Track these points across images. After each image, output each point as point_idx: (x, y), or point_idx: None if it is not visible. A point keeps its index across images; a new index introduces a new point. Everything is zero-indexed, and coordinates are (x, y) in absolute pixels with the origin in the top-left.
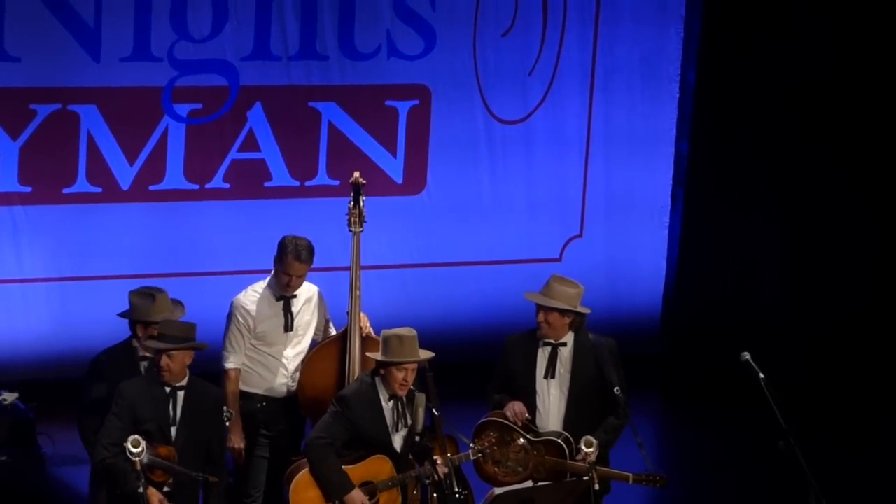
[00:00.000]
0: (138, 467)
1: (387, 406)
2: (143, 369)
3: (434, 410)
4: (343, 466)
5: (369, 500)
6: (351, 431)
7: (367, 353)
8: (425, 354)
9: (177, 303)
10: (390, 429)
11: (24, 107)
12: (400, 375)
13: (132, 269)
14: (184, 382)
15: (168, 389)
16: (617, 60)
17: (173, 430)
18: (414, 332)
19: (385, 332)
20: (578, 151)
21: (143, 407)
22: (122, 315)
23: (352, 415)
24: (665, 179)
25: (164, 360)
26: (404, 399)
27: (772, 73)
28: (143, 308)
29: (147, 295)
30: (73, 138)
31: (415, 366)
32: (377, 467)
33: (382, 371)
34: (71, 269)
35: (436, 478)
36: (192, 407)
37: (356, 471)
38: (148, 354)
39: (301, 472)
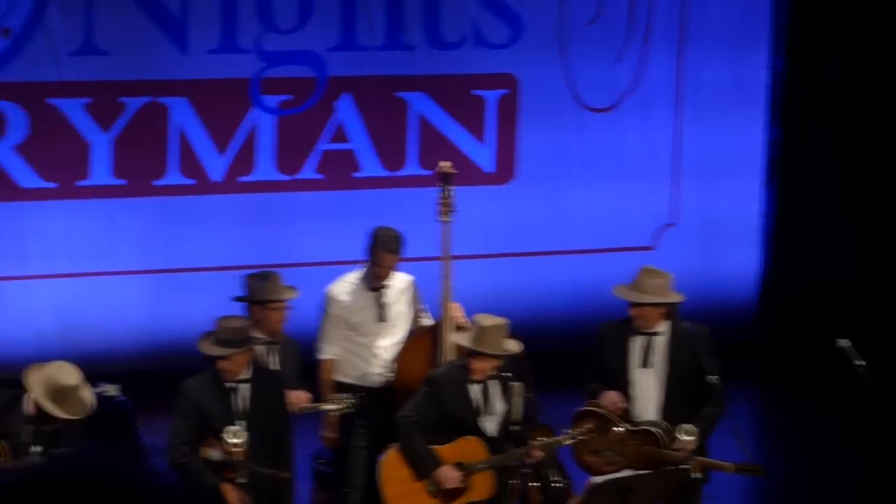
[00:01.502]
0: (239, 457)
1: (474, 388)
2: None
3: (531, 398)
4: (435, 447)
5: (465, 482)
6: (439, 411)
7: (454, 336)
8: (514, 346)
9: (290, 287)
10: (476, 410)
11: (114, 100)
12: (479, 364)
13: (224, 261)
14: (246, 375)
15: (230, 385)
16: (706, 45)
17: (241, 424)
18: (502, 322)
19: (476, 317)
20: (668, 137)
21: (208, 404)
22: (239, 299)
23: (439, 394)
24: (759, 164)
25: (223, 363)
26: (489, 384)
27: (864, 61)
28: (259, 288)
29: (261, 277)
30: (163, 131)
31: (495, 358)
32: (469, 448)
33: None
34: (164, 262)
35: (528, 462)
36: (257, 398)
37: (447, 451)
38: (258, 336)
39: (389, 451)
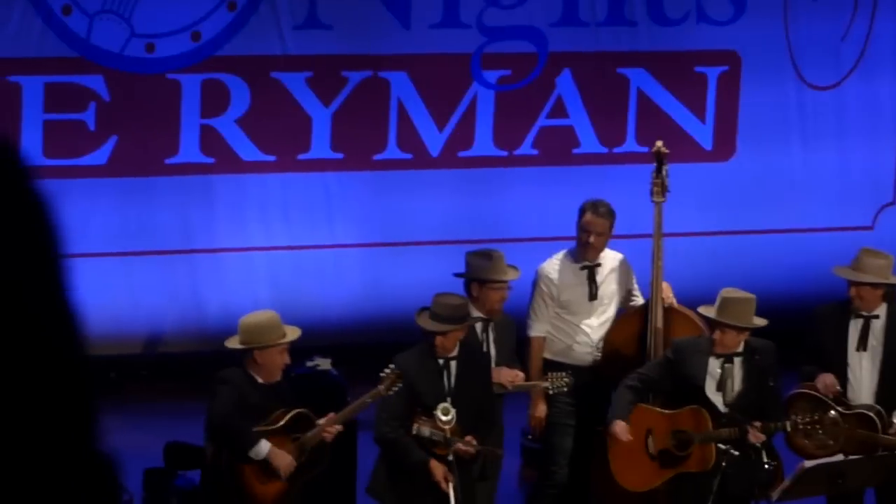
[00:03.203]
0: (448, 435)
1: (714, 361)
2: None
3: (773, 386)
4: (658, 409)
5: (684, 451)
6: (673, 378)
7: (700, 308)
8: (759, 322)
9: (512, 267)
10: (709, 383)
11: (336, 74)
12: (722, 337)
13: (440, 235)
14: (455, 353)
15: (441, 361)
16: None
17: (448, 401)
18: (748, 297)
19: (723, 290)
20: (891, 117)
21: (419, 380)
22: (460, 275)
23: (678, 360)
24: None
25: (439, 339)
26: (734, 361)
27: None
28: (481, 267)
29: (485, 255)
30: (384, 105)
31: (738, 332)
32: (695, 418)
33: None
34: (381, 235)
35: (748, 442)
36: (465, 377)
37: (672, 417)
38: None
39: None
